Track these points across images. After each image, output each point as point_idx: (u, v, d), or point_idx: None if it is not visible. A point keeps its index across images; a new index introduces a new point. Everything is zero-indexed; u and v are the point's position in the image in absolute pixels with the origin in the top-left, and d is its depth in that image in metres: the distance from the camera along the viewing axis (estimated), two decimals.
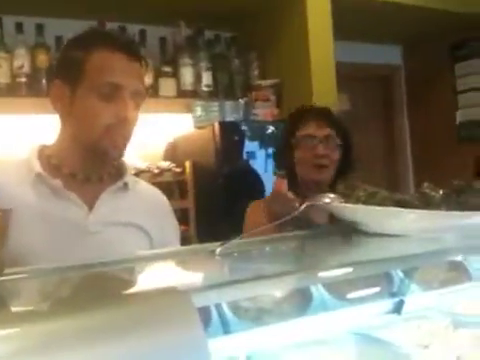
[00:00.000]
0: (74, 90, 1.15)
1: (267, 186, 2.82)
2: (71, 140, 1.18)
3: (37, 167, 1.16)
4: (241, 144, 2.80)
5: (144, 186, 1.34)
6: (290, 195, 1.45)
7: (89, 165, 1.20)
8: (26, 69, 2.55)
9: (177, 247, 1.00)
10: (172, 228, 1.36)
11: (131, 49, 1.18)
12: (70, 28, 2.79)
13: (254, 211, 1.78)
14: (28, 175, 1.15)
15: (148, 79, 2.81)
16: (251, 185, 2.82)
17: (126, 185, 1.24)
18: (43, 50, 2.61)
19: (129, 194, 1.24)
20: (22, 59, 2.54)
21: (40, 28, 2.62)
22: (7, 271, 0.73)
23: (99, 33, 1.22)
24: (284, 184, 1.48)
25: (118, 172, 1.26)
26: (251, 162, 2.81)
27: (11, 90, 2.53)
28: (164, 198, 1.37)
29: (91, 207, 1.17)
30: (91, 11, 2.69)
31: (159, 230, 1.25)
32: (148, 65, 1.32)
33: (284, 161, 1.74)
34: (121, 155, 1.20)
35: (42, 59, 2.60)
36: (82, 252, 1.09)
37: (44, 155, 1.21)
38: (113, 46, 1.16)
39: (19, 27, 2.57)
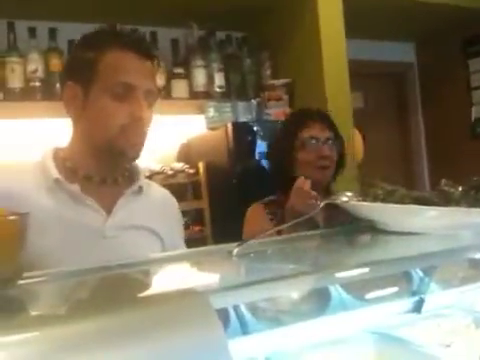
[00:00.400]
0: (87, 91, 1.14)
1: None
2: (85, 142, 1.18)
3: (54, 172, 1.15)
4: (254, 144, 2.79)
5: (156, 189, 1.34)
6: (313, 193, 1.50)
7: (104, 167, 1.19)
8: (40, 73, 2.57)
9: (194, 248, 0.99)
10: (180, 229, 1.37)
11: (143, 48, 1.17)
12: (82, 32, 2.82)
13: (255, 214, 1.81)
14: (45, 180, 1.14)
15: (160, 80, 2.82)
16: (264, 185, 2.81)
17: (141, 188, 1.24)
18: (56, 54, 2.62)
19: (143, 197, 1.24)
20: (35, 63, 2.56)
21: (53, 32, 2.64)
22: (26, 274, 0.73)
23: (110, 33, 1.19)
24: (307, 183, 1.53)
25: (132, 175, 1.26)
26: (264, 162, 2.81)
27: (25, 94, 2.54)
28: (174, 200, 1.37)
29: (109, 211, 1.17)
30: (103, 14, 2.69)
31: (169, 232, 1.26)
32: (160, 64, 1.31)
33: (281, 162, 1.77)
34: (138, 154, 1.19)
35: (55, 63, 2.61)
36: (98, 256, 1.09)
37: (59, 158, 1.20)
38: (125, 46, 1.15)
39: (32, 32, 2.59)
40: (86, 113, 1.15)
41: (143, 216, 1.22)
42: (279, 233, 1.23)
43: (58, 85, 2.60)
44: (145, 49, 1.18)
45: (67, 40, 2.66)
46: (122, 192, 1.20)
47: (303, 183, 1.54)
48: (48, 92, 2.59)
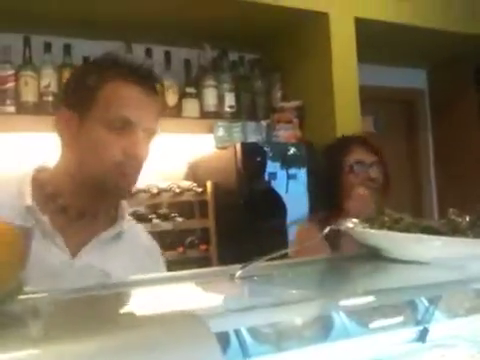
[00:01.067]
0: (83, 119, 1.08)
1: (288, 207, 2.81)
2: (73, 170, 1.11)
3: (28, 199, 1.08)
4: (262, 165, 2.80)
5: (139, 234, 1.26)
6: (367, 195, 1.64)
7: (86, 199, 1.11)
8: (53, 88, 2.60)
9: (197, 270, 0.98)
10: None
11: (147, 82, 1.10)
12: (97, 49, 2.86)
13: (304, 233, 1.88)
14: (19, 205, 1.07)
15: (173, 100, 2.84)
16: (272, 206, 2.81)
17: (120, 234, 1.16)
18: (70, 70, 2.65)
19: (121, 243, 1.16)
20: (49, 78, 2.59)
21: (67, 48, 2.68)
22: (27, 290, 0.73)
23: (115, 61, 1.11)
24: (366, 191, 1.67)
25: (115, 213, 1.18)
26: (272, 183, 2.81)
27: (38, 108, 2.57)
28: (158, 249, 1.28)
29: (75, 253, 1.09)
30: (117, 33, 2.74)
31: None
32: (163, 98, 1.23)
33: (331, 186, 1.86)
34: (130, 191, 1.13)
35: None
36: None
37: (38, 182, 1.13)
38: (130, 77, 1.08)
39: (47, 47, 2.63)
40: (79, 141, 1.09)
41: (117, 263, 1.12)
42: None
43: None
44: (150, 83, 1.11)
45: (81, 56, 2.70)
46: (97, 232, 1.12)
47: (363, 191, 1.68)
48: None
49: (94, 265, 1.10)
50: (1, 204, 1.05)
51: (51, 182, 1.13)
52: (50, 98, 2.59)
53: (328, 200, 1.89)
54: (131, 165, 1.08)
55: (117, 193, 1.11)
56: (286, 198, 2.83)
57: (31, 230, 0.69)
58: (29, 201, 1.08)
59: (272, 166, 2.82)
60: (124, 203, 1.20)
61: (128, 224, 1.19)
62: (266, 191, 2.80)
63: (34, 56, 2.61)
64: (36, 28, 2.61)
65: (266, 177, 2.80)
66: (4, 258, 0.65)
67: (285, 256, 0.96)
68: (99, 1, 2.52)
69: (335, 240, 1.48)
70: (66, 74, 2.64)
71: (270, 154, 2.84)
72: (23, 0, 2.42)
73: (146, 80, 1.10)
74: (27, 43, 2.60)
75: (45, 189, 1.12)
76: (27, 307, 0.73)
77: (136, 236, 1.22)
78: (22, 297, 0.71)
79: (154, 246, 1.28)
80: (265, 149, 2.82)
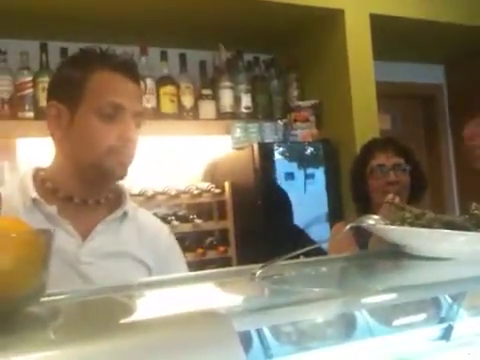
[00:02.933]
0: (73, 111, 1.12)
1: (304, 206, 2.80)
2: (69, 162, 1.15)
3: (32, 192, 1.13)
4: (280, 165, 2.79)
5: (144, 214, 1.30)
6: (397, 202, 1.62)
7: (87, 188, 1.17)
8: None
9: (217, 269, 0.98)
10: (175, 257, 1.31)
11: (131, 70, 1.17)
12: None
13: (339, 231, 1.91)
14: (24, 200, 1.12)
15: (189, 102, 2.85)
16: (290, 206, 2.80)
17: (125, 214, 1.21)
18: None
19: (127, 223, 1.21)
20: None
21: None
22: (49, 292, 0.73)
23: (98, 54, 1.18)
24: (397, 198, 1.67)
25: (117, 198, 1.23)
26: (289, 183, 2.80)
27: None
28: (165, 227, 1.34)
29: (85, 237, 1.14)
30: (132, 37, 2.75)
31: (159, 261, 1.21)
32: (146, 86, 1.31)
33: (358, 190, 1.96)
34: (126, 174, 1.17)
35: None
36: (72, 281, 1.06)
37: (39, 179, 1.17)
38: (114, 67, 1.14)
39: (64, 52, 2.65)
40: (72, 133, 1.13)
41: (126, 243, 1.18)
42: None
43: None
44: (133, 71, 1.17)
45: None
46: (103, 216, 1.18)
47: (393, 198, 1.68)
48: None
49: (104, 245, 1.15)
50: (10, 196, 1.09)
51: (50, 178, 1.18)
52: None
53: (357, 202, 1.98)
54: (126, 148, 1.14)
55: (116, 176, 1.17)
56: (304, 198, 2.82)
57: (53, 233, 0.69)
58: (34, 193, 1.13)
59: (289, 166, 2.81)
60: (125, 188, 1.26)
61: (132, 207, 1.24)
62: (283, 191, 2.79)
63: (51, 62, 2.63)
64: (52, 34, 2.64)
65: (283, 177, 2.79)
66: (26, 261, 0.65)
67: (306, 254, 0.95)
68: (114, 5, 2.54)
69: (364, 238, 1.49)
70: None
71: (287, 154, 2.83)
72: (39, 6, 2.44)
73: (129, 68, 1.17)
74: (44, 49, 2.63)
75: (45, 184, 1.17)
76: (49, 309, 0.74)
77: (142, 217, 1.27)
78: (44, 299, 0.72)
79: (162, 227, 1.33)
80: (282, 149, 2.81)
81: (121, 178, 1.18)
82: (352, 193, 2.04)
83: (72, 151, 1.15)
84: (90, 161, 1.13)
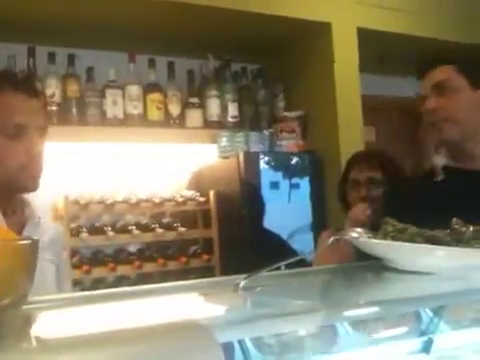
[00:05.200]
0: None
1: (289, 216, 2.81)
2: None
3: None
4: (265, 175, 2.80)
5: (47, 220, 1.45)
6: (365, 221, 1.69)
7: (3, 200, 1.26)
8: (57, 98, 2.61)
9: (201, 280, 0.98)
10: (65, 256, 1.53)
11: (30, 87, 1.25)
12: (101, 59, 2.90)
13: (325, 240, 1.90)
14: None
15: (176, 110, 2.85)
16: (274, 216, 2.81)
17: (39, 219, 1.33)
18: (74, 80, 2.67)
19: (40, 228, 1.32)
20: (53, 88, 2.61)
21: (71, 58, 2.69)
22: (30, 300, 0.73)
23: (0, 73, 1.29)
24: (361, 211, 1.75)
25: (26, 207, 1.33)
26: (274, 192, 2.81)
27: None
28: (62, 229, 1.53)
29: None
30: (121, 43, 2.75)
31: (60, 260, 1.37)
32: (46, 98, 1.42)
33: (342, 205, 2.02)
34: (38, 186, 1.26)
35: (73, 89, 2.66)
36: None
37: None
38: (15, 87, 1.22)
39: (51, 57, 2.64)
40: None
41: (42, 246, 1.27)
42: None
43: (75, 110, 2.64)
44: (32, 88, 1.26)
45: (86, 67, 2.71)
46: (24, 222, 1.29)
47: (357, 210, 1.77)
48: (64, 117, 2.62)
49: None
50: None
51: None
52: (54, 108, 2.60)
53: (345, 215, 1.99)
54: (34, 163, 1.24)
55: (29, 190, 1.27)
56: (289, 208, 2.83)
57: (36, 242, 0.69)
58: None
59: (274, 175, 2.82)
60: (26, 197, 1.35)
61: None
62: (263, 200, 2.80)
63: (38, 66, 2.62)
64: (40, 38, 2.63)
65: (268, 186, 2.80)
66: (8, 269, 0.65)
67: (291, 265, 0.96)
68: (103, 12, 2.53)
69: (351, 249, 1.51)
70: (70, 84, 2.66)
71: (272, 164, 2.85)
72: (27, 11, 2.43)
73: (28, 86, 1.26)
74: (31, 53, 2.61)
75: None
76: (31, 316, 0.73)
77: (47, 222, 1.43)
78: (26, 306, 0.71)
79: (59, 227, 1.54)
80: (267, 159, 2.83)
81: (34, 190, 1.28)
82: (340, 206, 2.08)
83: None
84: (3, 180, 1.22)
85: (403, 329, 0.93)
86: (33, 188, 1.26)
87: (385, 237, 0.97)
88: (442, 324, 0.96)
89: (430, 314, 0.94)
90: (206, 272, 2.77)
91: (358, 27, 2.95)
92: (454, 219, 1.01)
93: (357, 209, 1.80)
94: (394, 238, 0.96)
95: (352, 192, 1.95)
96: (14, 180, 1.22)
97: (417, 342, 0.94)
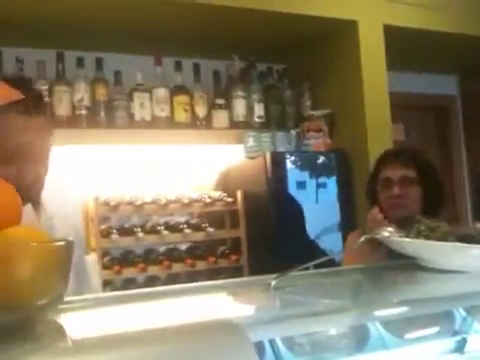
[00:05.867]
0: None
1: (316, 216, 2.79)
2: None
3: None
4: (292, 174, 2.79)
5: (60, 220, 1.41)
6: (381, 219, 1.66)
7: None
8: (86, 102, 2.65)
9: (232, 279, 0.99)
10: (88, 258, 1.51)
11: (37, 107, 1.21)
12: (128, 63, 2.93)
13: (354, 240, 1.88)
14: None
15: (202, 112, 2.87)
16: (302, 215, 2.80)
17: (51, 220, 1.32)
18: (102, 84, 2.71)
19: (53, 229, 1.30)
20: (82, 92, 2.65)
21: (99, 62, 2.73)
22: (67, 299, 0.74)
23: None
24: (379, 213, 1.71)
25: (36, 207, 1.31)
26: (301, 192, 2.80)
27: (71, 122, 2.63)
28: (79, 229, 1.50)
29: None
30: (147, 47, 2.78)
31: (78, 261, 1.32)
32: (51, 114, 1.36)
33: (372, 203, 1.91)
34: (39, 196, 1.26)
35: (101, 92, 2.69)
36: None
37: None
38: (18, 107, 1.16)
39: (80, 62, 2.68)
40: None
41: None
42: None
43: (103, 113, 2.68)
44: (37, 107, 1.21)
45: (113, 70, 2.75)
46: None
47: (376, 213, 1.70)
48: (93, 120, 2.67)
49: None
50: None
51: None
52: (83, 112, 2.64)
53: None
54: (29, 185, 1.20)
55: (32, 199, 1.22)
56: (316, 207, 2.82)
57: (72, 243, 0.70)
58: None
59: (301, 175, 2.81)
60: (43, 202, 1.34)
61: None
62: (295, 201, 2.79)
63: (67, 71, 2.66)
64: (69, 43, 2.67)
65: (295, 186, 2.79)
66: (45, 269, 0.67)
67: (320, 265, 0.96)
68: (130, 16, 2.57)
69: (381, 248, 1.48)
70: (98, 88, 2.69)
71: (299, 163, 2.84)
72: (56, 16, 2.48)
73: (34, 106, 1.21)
74: (60, 58, 2.66)
75: None
76: (67, 316, 0.75)
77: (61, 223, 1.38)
78: (62, 306, 0.73)
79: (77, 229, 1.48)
80: (294, 158, 2.82)
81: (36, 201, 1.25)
82: (368, 205, 2.01)
83: None
84: None
85: (436, 329, 0.92)
86: (34, 199, 1.24)
87: (417, 236, 0.96)
88: (476, 324, 0.94)
89: (463, 314, 0.93)
90: (235, 272, 2.78)
91: (384, 24, 2.92)
92: None
93: (374, 210, 1.75)
94: (426, 237, 0.95)
95: (384, 191, 1.86)
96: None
97: (450, 342, 0.93)
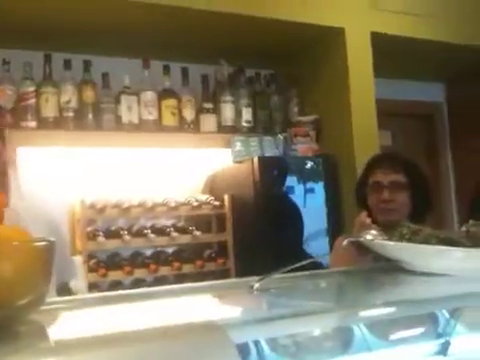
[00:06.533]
0: None
1: (306, 220, 2.80)
2: None
3: None
4: (280, 178, 2.80)
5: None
6: (369, 224, 1.64)
7: None
8: (73, 104, 2.64)
9: (216, 281, 0.99)
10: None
11: None
12: (115, 65, 2.93)
13: (341, 244, 1.86)
14: None
15: (190, 115, 2.87)
16: (289, 219, 2.81)
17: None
18: (90, 86, 2.70)
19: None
20: (69, 94, 2.64)
21: (87, 65, 2.72)
22: (49, 300, 0.74)
23: None
24: (366, 216, 1.69)
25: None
26: (289, 197, 2.80)
27: (58, 124, 2.61)
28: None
29: None
30: (135, 50, 2.78)
31: None
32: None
33: (360, 207, 1.90)
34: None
35: (88, 95, 2.69)
36: None
37: None
38: None
39: (67, 63, 2.67)
40: None
41: None
42: None
43: (90, 116, 2.67)
44: None
45: (101, 73, 2.74)
46: None
47: (364, 217, 1.69)
48: (80, 122, 2.65)
49: None
50: None
51: None
52: (70, 114, 2.63)
53: None
54: None
55: None
56: (304, 212, 2.82)
57: (54, 243, 0.70)
58: None
59: (289, 180, 2.82)
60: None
61: None
62: (284, 204, 2.80)
63: (54, 73, 2.65)
64: (57, 45, 2.66)
65: (282, 191, 2.80)
66: (28, 269, 0.66)
67: (303, 268, 0.96)
68: (118, 19, 2.56)
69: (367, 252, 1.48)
70: (86, 90, 2.68)
71: (287, 168, 2.85)
72: (43, 18, 2.47)
73: None
74: (48, 60, 2.65)
75: None
76: (49, 317, 0.74)
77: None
78: (44, 307, 0.72)
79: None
80: (281, 163, 2.82)
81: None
82: (357, 209, 1.99)
83: None
84: None
85: (419, 331, 0.92)
86: None
87: (400, 239, 0.97)
88: (459, 326, 0.95)
89: (447, 316, 0.94)
90: (221, 275, 2.77)
91: (372, 32, 2.95)
92: (470, 220, 1.01)
93: (362, 215, 1.73)
94: (409, 240, 0.96)
95: (373, 195, 1.85)
96: None
97: (434, 344, 0.93)
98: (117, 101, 2.73)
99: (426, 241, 0.95)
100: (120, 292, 0.87)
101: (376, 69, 2.95)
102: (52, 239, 0.71)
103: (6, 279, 0.64)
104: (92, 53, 2.77)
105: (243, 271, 2.72)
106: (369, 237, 0.97)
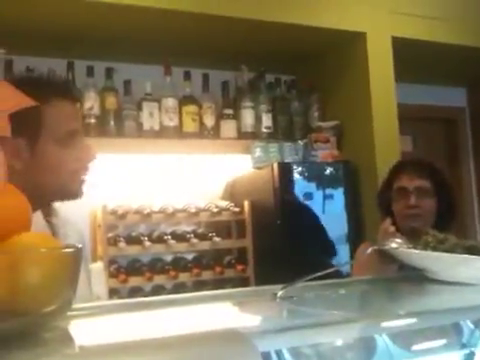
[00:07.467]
0: (33, 143, 1.18)
1: (326, 226, 2.79)
2: (33, 192, 1.13)
3: None
4: (299, 185, 2.79)
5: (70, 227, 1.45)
6: (393, 231, 1.62)
7: (45, 205, 1.27)
8: (95, 111, 2.67)
9: (239, 289, 0.99)
10: (94, 266, 1.53)
11: (73, 93, 1.29)
12: (138, 72, 2.95)
13: (364, 252, 1.84)
14: None
15: (211, 121, 2.88)
16: (309, 225, 2.80)
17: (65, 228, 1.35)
18: (112, 93, 2.73)
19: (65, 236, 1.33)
20: (92, 101, 2.67)
21: (109, 72, 2.75)
22: (75, 306, 0.75)
23: (45, 84, 1.25)
24: (390, 224, 1.67)
25: (53, 215, 1.34)
26: (308, 203, 2.79)
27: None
28: (84, 234, 1.53)
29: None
30: (157, 57, 2.80)
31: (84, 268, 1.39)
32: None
33: (384, 213, 1.89)
34: (83, 193, 1.27)
35: (111, 101, 2.71)
36: None
37: None
38: (62, 95, 1.23)
39: (90, 71, 2.71)
40: (34, 164, 1.19)
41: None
42: None
43: (112, 122, 2.70)
44: (75, 94, 1.30)
45: (123, 80, 2.77)
46: (54, 231, 1.29)
47: (388, 225, 1.66)
48: (102, 129, 2.68)
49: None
50: None
51: None
52: (92, 120, 2.66)
53: None
54: (85, 169, 1.25)
55: (76, 197, 1.26)
56: (323, 218, 2.81)
57: (81, 250, 0.71)
58: None
59: (308, 186, 2.81)
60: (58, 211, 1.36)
61: None
62: (302, 211, 2.79)
63: (77, 80, 2.69)
64: (79, 53, 2.70)
65: (302, 197, 2.79)
66: (54, 275, 0.67)
67: (327, 276, 0.96)
68: (139, 26, 2.59)
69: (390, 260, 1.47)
70: (108, 97, 2.71)
71: (306, 174, 2.84)
72: (66, 26, 2.51)
73: (72, 92, 1.29)
74: (70, 67, 2.68)
75: None
76: (75, 323, 0.75)
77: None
78: (70, 313, 0.73)
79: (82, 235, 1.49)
80: (301, 169, 2.82)
81: (81, 197, 1.27)
82: (380, 215, 1.99)
83: (37, 181, 1.20)
84: (56, 187, 1.22)
85: (443, 341, 0.91)
86: (81, 194, 1.26)
87: (425, 248, 0.96)
88: None
89: (471, 326, 0.92)
90: (241, 282, 2.77)
91: (393, 36, 2.93)
92: None
93: (387, 222, 1.71)
94: (434, 249, 0.95)
95: (399, 200, 1.83)
96: (65, 187, 1.22)
97: (458, 355, 0.92)
98: (139, 108, 2.76)
99: (451, 250, 0.94)
100: (143, 299, 0.88)
101: (397, 74, 2.93)
102: (79, 246, 0.72)
103: (33, 286, 0.64)
104: (114, 60, 2.80)
105: (262, 278, 2.72)
106: (394, 245, 0.97)
